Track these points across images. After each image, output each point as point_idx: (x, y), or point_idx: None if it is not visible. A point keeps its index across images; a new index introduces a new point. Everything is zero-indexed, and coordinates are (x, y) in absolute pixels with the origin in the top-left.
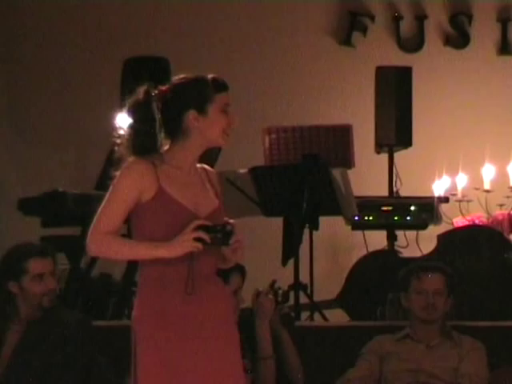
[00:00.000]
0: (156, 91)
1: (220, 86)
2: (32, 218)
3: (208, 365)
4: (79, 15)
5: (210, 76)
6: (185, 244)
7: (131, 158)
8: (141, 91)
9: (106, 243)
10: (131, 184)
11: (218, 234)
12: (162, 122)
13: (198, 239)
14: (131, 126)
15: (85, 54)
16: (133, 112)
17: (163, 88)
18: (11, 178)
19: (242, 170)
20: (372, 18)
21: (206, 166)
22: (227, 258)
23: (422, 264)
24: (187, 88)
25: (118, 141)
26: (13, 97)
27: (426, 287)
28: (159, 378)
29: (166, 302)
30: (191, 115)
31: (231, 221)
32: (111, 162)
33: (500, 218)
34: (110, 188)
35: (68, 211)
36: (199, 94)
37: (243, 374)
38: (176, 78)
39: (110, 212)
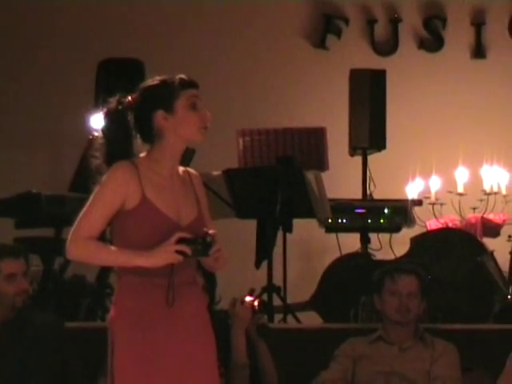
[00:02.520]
0: (127, 100)
1: (185, 82)
2: (5, 219)
3: (184, 364)
4: (54, 16)
5: (177, 76)
6: (166, 255)
7: (117, 163)
8: (113, 101)
9: (86, 248)
10: (116, 190)
11: (199, 246)
12: (136, 129)
13: (179, 251)
14: (105, 135)
15: (59, 55)
16: (106, 121)
17: (133, 95)
18: None
19: (216, 172)
20: (346, 21)
21: (189, 169)
22: (210, 267)
23: (396, 266)
24: (153, 89)
25: (95, 152)
26: None
27: (400, 289)
28: (136, 378)
29: (144, 308)
30: (159, 115)
31: (211, 231)
32: (85, 163)
33: (473, 221)
34: (95, 191)
35: (41, 212)
36: (164, 92)
37: (217, 375)
38: (144, 82)
39: (92, 216)
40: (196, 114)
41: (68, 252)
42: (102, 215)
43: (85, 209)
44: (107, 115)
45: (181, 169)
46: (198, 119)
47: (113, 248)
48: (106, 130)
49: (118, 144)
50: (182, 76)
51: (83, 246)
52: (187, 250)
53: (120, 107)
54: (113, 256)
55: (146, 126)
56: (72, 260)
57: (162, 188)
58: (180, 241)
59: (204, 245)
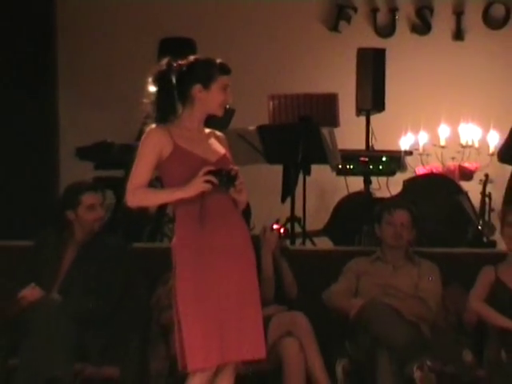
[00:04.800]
0: (175, 64)
1: (224, 69)
2: (87, 162)
3: (228, 271)
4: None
5: (218, 60)
6: (197, 186)
7: (150, 127)
8: (163, 62)
9: (139, 194)
10: (151, 147)
11: (224, 178)
12: (176, 89)
13: (207, 182)
14: (155, 94)
15: (130, 34)
16: (156, 78)
17: (181, 62)
18: (72, 132)
19: (251, 127)
20: (355, 10)
21: (216, 132)
22: (235, 199)
23: (393, 202)
24: (199, 66)
25: (145, 118)
26: (74, 70)
27: (395, 220)
28: (194, 296)
29: (190, 231)
30: (197, 88)
31: (235, 167)
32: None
33: (452, 168)
34: (137, 152)
35: (114, 157)
36: (207, 73)
37: (256, 279)
38: (192, 56)
39: (138, 172)
40: (223, 96)
41: (128, 201)
42: (145, 169)
43: (133, 167)
44: (158, 73)
45: (207, 130)
46: (223, 100)
47: (157, 190)
48: (155, 88)
49: (164, 99)
50: (222, 62)
51: (137, 194)
52: (213, 179)
53: (169, 68)
54: (159, 195)
55: (184, 91)
56: (131, 206)
57: (190, 137)
58: (208, 173)
59: (228, 177)
